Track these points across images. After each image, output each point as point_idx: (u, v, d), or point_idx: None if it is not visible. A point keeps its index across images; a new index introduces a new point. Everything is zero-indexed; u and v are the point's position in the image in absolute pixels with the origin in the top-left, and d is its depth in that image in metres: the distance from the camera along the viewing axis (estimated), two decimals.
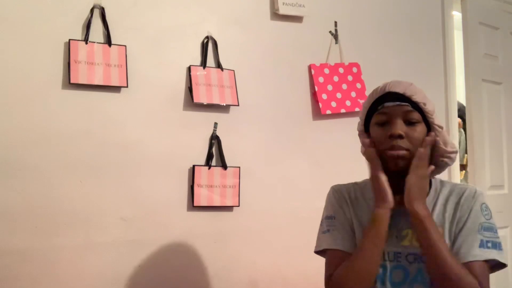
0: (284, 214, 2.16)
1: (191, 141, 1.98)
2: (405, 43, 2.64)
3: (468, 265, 1.18)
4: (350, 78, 2.36)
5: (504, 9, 3.11)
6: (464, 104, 2.99)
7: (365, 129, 1.33)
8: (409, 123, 1.23)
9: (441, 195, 1.29)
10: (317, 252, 1.37)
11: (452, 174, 2.78)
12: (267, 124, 2.17)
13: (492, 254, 1.21)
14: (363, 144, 1.30)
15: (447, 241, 1.23)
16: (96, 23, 1.83)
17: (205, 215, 1.98)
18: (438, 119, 1.26)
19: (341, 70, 2.36)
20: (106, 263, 1.79)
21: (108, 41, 1.84)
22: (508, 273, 2.84)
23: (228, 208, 2.03)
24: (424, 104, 1.23)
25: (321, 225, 1.38)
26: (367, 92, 2.36)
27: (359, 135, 1.35)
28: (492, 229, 1.25)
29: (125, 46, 1.86)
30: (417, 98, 1.23)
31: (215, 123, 2.03)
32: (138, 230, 1.86)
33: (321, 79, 2.30)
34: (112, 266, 1.80)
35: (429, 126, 1.26)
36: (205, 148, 2.00)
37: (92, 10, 1.82)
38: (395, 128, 1.22)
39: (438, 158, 1.29)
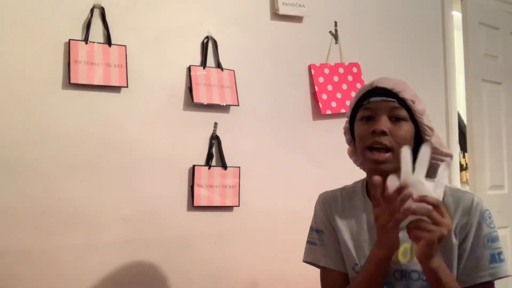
0: (284, 214, 2.16)
1: (191, 141, 1.98)
2: (405, 43, 2.64)
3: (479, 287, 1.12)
4: (350, 78, 2.36)
5: (504, 9, 3.11)
6: (464, 108, 2.98)
7: (351, 126, 1.26)
8: (395, 119, 1.16)
9: (446, 205, 1.17)
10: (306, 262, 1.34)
11: (452, 178, 2.79)
12: (267, 124, 2.17)
13: (502, 269, 1.13)
14: (347, 142, 1.28)
15: (448, 259, 1.13)
16: (96, 23, 1.83)
17: (205, 215, 1.98)
18: (428, 120, 1.19)
19: (341, 70, 2.36)
20: (106, 263, 1.79)
21: (108, 41, 1.84)
22: None
23: (228, 208, 2.03)
24: (413, 102, 1.17)
25: (309, 232, 1.34)
26: None
27: (344, 133, 1.30)
28: (497, 238, 1.16)
29: (125, 46, 1.86)
30: (405, 94, 1.16)
31: (215, 123, 2.03)
32: (138, 230, 1.86)
33: (321, 79, 2.30)
34: (112, 266, 1.80)
35: (418, 127, 1.18)
36: (205, 148, 2.00)
37: (92, 10, 1.82)
38: (378, 123, 1.14)
39: (431, 161, 1.16)
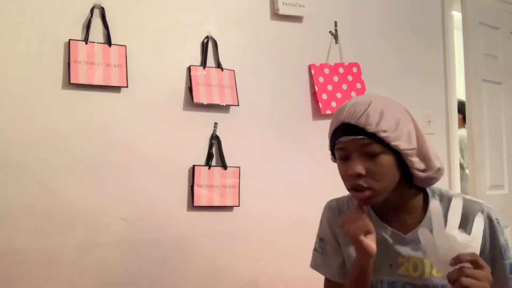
0: (284, 214, 2.16)
1: (191, 141, 1.98)
2: (405, 43, 2.64)
3: None
4: (350, 78, 2.36)
5: (504, 9, 3.11)
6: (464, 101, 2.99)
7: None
8: (370, 156, 1.07)
9: (440, 215, 1.11)
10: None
11: (452, 175, 2.79)
12: (267, 124, 2.17)
13: None
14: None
15: None
16: (96, 23, 1.83)
17: (205, 215, 1.98)
18: (407, 138, 1.07)
19: (341, 70, 2.36)
20: (106, 263, 1.79)
21: (108, 41, 1.84)
22: None
23: (228, 208, 2.03)
24: (384, 131, 1.05)
25: (316, 239, 1.34)
26: (367, 92, 2.36)
27: (333, 161, 1.22)
28: (510, 247, 1.12)
29: (125, 46, 1.86)
30: (372, 127, 1.05)
31: (215, 123, 2.03)
32: (138, 230, 1.86)
33: (321, 79, 2.30)
34: (112, 266, 1.80)
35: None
36: (205, 148, 2.00)
37: (92, 10, 1.82)
38: (352, 167, 1.07)
39: (420, 179, 1.13)
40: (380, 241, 1.16)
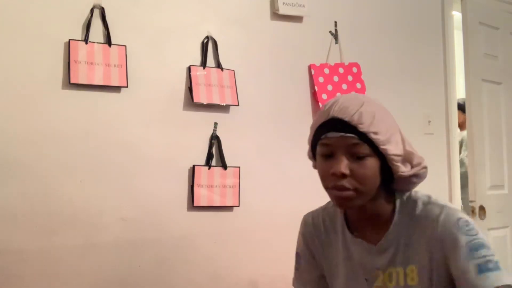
0: (284, 214, 2.16)
1: (191, 141, 1.98)
2: (405, 43, 2.64)
3: None
4: (350, 78, 2.36)
5: (504, 9, 3.10)
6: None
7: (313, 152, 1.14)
8: (357, 157, 1.01)
9: (404, 220, 1.09)
10: None
11: (452, 175, 2.79)
12: (267, 124, 2.17)
13: (492, 279, 0.95)
14: (313, 166, 1.19)
15: (433, 280, 1.04)
16: (96, 23, 1.83)
17: (205, 215, 1.98)
18: (395, 144, 1.04)
19: (341, 70, 2.35)
20: (106, 263, 1.79)
21: (108, 41, 1.84)
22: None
23: (228, 208, 2.03)
24: (375, 133, 1.00)
25: (295, 254, 1.30)
26: (367, 92, 2.36)
27: (309, 158, 1.18)
28: (482, 245, 0.99)
29: (125, 46, 1.86)
30: (364, 127, 1.00)
31: (215, 123, 2.03)
32: (138, 230, 1.86)
33: (321, 79, 2.30)
34: (112, 266, 1.80)
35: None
36: (205, 148, 2.00)
37: (92, 10, 1.82)
38: (337, 166, 1.01)
39: (402, 180, 1.09)
40: (353, 256, 1.14)
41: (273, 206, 2.14)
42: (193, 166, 1.95)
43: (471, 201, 2.75)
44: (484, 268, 0.96)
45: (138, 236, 1.85)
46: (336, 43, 2.39)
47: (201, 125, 2.01)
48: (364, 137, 1.01)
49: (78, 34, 1.80)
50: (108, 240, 1.80)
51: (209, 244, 1.99)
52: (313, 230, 1.24)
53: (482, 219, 2.72)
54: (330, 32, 2.38)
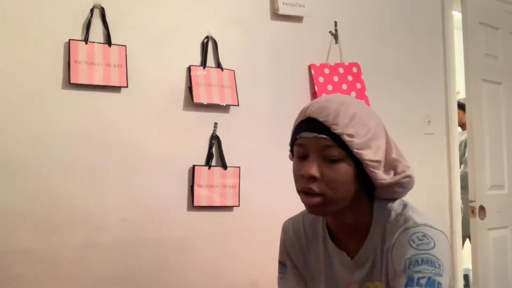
0: (284, 214, 2.14)
1: (191, 141, 1.98)
2: (405, 43, 2.64)
3: None
4: (350, 78, 2.36)
5: (504, 9, 3.10)
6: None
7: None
8: (330, 160, 0.97)
9: (378, 234, 1.03)
10: None
11: (452, 175, 2.79)
12: (267, 124, 2.17)
13: None
14: None
15: None
16: (96, 23, 1.83)
17: (205, 215, 1.98)
18: (375, 149, 0.98)
19: (341, 70, 2.36)
20: (106, 263, 1.79)
21: (108, 41, 1.84)
22: (508, 272, 2.84)
23: (228, 208, 2.03)
24: (350, 136, 0.95)
25: (278, 262, 1.25)
26: (367, 92, 2.36)
27: (289, 158, 1.13)
28: (428, 262, 0.91)
29: (125, 46, 1.86)
30: (339, 128, 0.95)
31: (215, 123, 2.03)
32: (138, 230, 1.86)
33: (321, 79, 2.30)
34: (112, 266, 1.80)
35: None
36: (205, 148, 2.00)
37: (92, 10, 1.82)
38: (306, 167, 0.97)
39: (383, 189, 1.03)
40: (331, 267, 1.10)
41: (273, 206, 2.14)
42: (193, 166, 1.95)
43: (471, 201, 2.75)
44: (414, 282, 0.89)
45: (138, 236, 1.85)
46: (336, 43, 2.39)
47: (201, 125, 2.01)
48: (338, 139, 0.96)
49: (78, 34, 1.80)
50: (108, 240, 1.80)
51: (209, 244, 1.99)
52: (293, 236, 1.19)
53: (482, 219, 2.72)
54: (330, 32, 2.38)
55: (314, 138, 0.98)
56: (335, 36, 2.39)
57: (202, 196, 1.96)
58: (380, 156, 0.99)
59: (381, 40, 2.55)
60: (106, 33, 1.84)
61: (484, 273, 2.69)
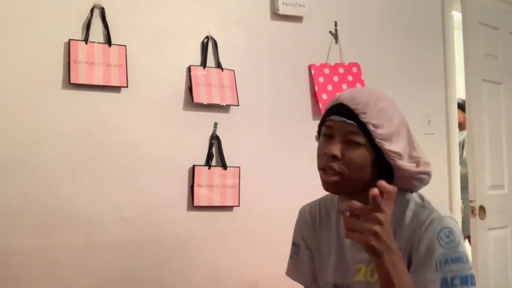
0: (284, 214, 2.15)
1: (191, 141, 1.98)
2: (405, 43, 2.64)
3: None
4: (350, 78, 2.36)
5: (504, 9, 3.10)
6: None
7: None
8: (352, 143, 1.05)
9: (394, 219, 1.05)
10: None
11: (452, 175, 2.79)
12: (267, 124, 2.17)
13: None
14: None
15: None
16: (96, 23, 1.83)
17: (205, 215, 1.98)
18: (396, 142, 1.06)
19: (341, 70, 2.36)
20: (106, 263, 1.79)
21: (108, 41, 1.84)
22: (508, 272, 2.84)
23: (228, 208, 2.03)
24: (375, 126, 1.04)
25: (291, 245, 1.33)
26: None
27: (316, 140, 1.21)
28: (457, 260, 1.00)
29: (125, 46, 1.86)
30: (366, 118, 1.04)
31: (215, 123, 2.03)
32: (138, 230, 1.86)
33: (321, 79, 2.30)
34: (112, 266, 1.80)
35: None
36: (205, 148, 2.00)
37: (92, 10, 1.82)
38: (330, 147, 1.06)
39: (401, 179, 1.09)
40: (342, 246, 1.16)
41: (273, 206, 2.14)
42: (193, 166, 1.95)
43: (471, 201, 2.75)
44: (449, 283, 0.98)
45: (138, 236, 1.85)
46: (336, 43, 2.39)
47: (201, 125, 2.01)
48: (363, 127, 1.04)
49: (78, 34, 1.80)
50: (108, 240, 1.80)
51: (209, 244, 1.99)
52: (309, 219, 1.27)
53: (482, 219, 2.72)
54: (330, 32, 2.38)
55: (342, 122, 1.06)
56: (335, 36, 2.39)
57: (202, 196, 1.96)
58: (400, 148, 1.07)
59: (381, 40, 2.55)
60: (106, 33, 1.84)
61: (484, 273, 2.69)
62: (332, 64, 2.35)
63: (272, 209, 2.14)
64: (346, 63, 2.38)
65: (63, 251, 1.73)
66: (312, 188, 2.20)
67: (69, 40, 1.77)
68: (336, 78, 2.33)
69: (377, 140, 1.04)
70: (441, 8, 2.82)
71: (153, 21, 1.95)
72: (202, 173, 1.96)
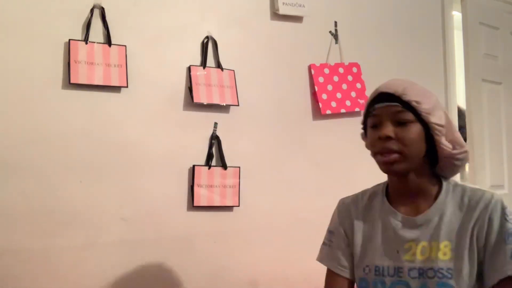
0: (284, 214, 2.16)
1: (191, 141, 1.98)
2: (405, 43, 2.64)
3: (503, 284, 1.09)
4: (350, 78, 2.36)
5: (504, 9, 3.11)
6: (464, 106, 2.98)
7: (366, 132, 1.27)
8: (401, 123, 1.14)
9: (451, 201, 1.19)
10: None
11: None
12: (267, 124, 2.17)
13: None
14: (366, 147, 1.28)
15: (466, 258, 1.13)
16: (96, 23, 1.83)
17: (205, 215, 1.98)
18: (438, 116, 1.16)
19: (341, 70, 2.36)
20: (106, 263, 1.79)
21: (108, 41, 1.84)
22: None
23: (228, 208, 2.03)
24: (417, 102, 1.14)
25: (326, 232, 1.37)
26: (367, 92, 2.36)
27: (362, 139, 1.30)
28: None
29: (125, 46, 1.86)
30: (408, 96, 1.14)
31: (215, 123, 2.03)
32: (138, 230, 1.86)
33: (321, 79, 2.30)
34: (112, 266, 1.80)
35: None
36: (205, 148, 2.00)
37: (92, 10, 1.82)
38: (382, 130, 1.15)
39: (444, 160, 1.19)
40: (389, 228, 1.22)
41: (273, 206, 2.14)
42: (193, 166, 1.95)
43: None
44: None
45: (138, 236, 1.85)
46: (336, 43, 2.39)
47: (201, 125, 2.01)
48: (407, 105, 1.14)
49: (78, 34, 1.80)
50: (108, 240, 1.80)
51: (209, 244, 1.99)
52: (351, 206, 1.32)
53: None
54: (330, 32, 2.38)
55: (387, 107, 1.16)
56: (335, 36, 2.39)
57: (202, 196, 1.96)
58: (443, 121, 1.16)
59: (381, 40, 2.55)
60: (106, 33, 1.84)
61: None
62: (332, 64, 2.35)
63: (272, 209, 2.14)
64: (346, 63, 2.38)
65: (63, 251, 1.73)
66: (311, 188, 2.22)
67: (69, 40, 1.77)
68: (336, 78, 2.33)
69: (423, 114, 1.13)
70: (441, 8, 2.82)
71: (153, 21, 1.95)
72: (202, 173, 1.96)
